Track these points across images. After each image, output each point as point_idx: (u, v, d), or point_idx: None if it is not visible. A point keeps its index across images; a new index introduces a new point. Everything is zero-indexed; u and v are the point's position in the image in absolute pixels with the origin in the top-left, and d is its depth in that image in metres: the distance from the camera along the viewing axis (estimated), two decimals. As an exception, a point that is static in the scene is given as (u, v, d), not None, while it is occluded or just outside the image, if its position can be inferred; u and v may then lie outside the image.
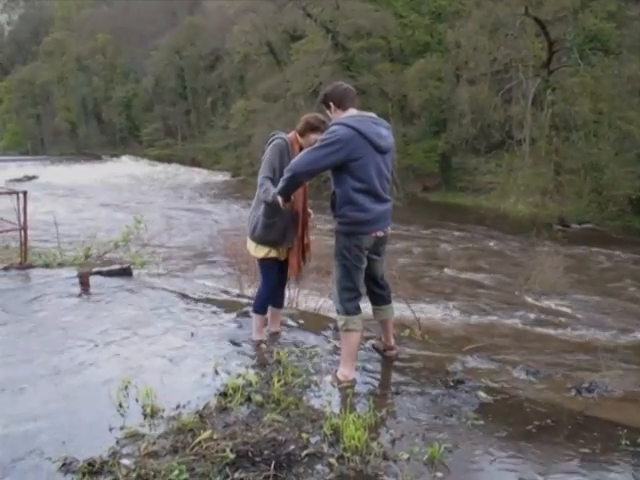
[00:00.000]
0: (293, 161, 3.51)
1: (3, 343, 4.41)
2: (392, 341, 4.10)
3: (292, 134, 4.05)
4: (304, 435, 2.92)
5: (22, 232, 6.88)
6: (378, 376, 3.83)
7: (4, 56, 72.49)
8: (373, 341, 4.24)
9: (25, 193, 6.82)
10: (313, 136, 3.94)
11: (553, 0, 22.17)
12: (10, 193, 7.09)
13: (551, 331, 10.55)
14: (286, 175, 3.50)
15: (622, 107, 21.50)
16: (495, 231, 20.78)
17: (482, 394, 3.49)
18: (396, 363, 4.01)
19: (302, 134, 4.02)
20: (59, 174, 36.37)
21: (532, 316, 11.34)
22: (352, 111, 3.56)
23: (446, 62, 27.85)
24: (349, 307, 3.59)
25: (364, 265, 3.61)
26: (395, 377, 3.79)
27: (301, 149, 4.03)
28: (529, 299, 12.55)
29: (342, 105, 3.56)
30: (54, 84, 59.23)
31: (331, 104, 3.59)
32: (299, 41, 32.43)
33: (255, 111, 32.08)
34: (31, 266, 6.90)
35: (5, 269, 6.79)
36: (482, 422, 3.15)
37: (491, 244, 19.33)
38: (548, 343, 9.61)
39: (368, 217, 3.50)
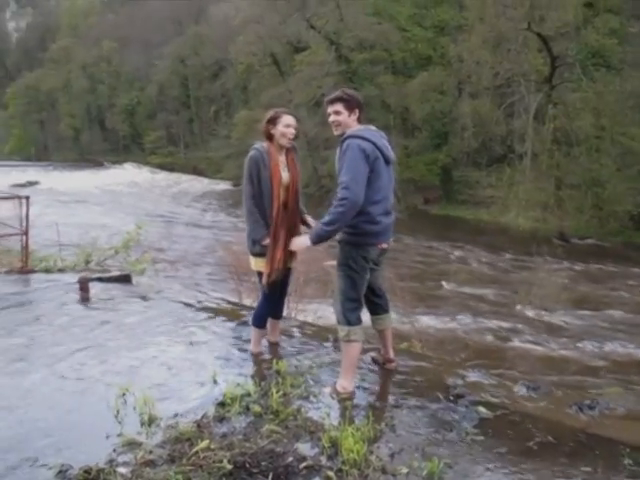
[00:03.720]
0: (343, 192, 3.29)
1: (2, 348, 4.39)
2: (391, 353, 4.08)
3: (265, 143, 3.99)
4: (302, 447, 2.90)
5: (24, 237, 6.87)
6: (377, 389, 3.80)
7: (11, 63, 73.04)
8: (372, 353, 4.22)
9: (27, 198, 6.84)
10: (280, 127, 3.90)
11: (555, 16, 22.30)
12: (13, 198, 7.10)
13: (551, 347, 10.50)
14: (343, 207, 3.28)
15: (624, 123, 21.58)
16: (495, 245, 20.75)
17: (482, 409, 3.46)
18: (395, 376, 3.98)
19: (270, 136, 3.95)
20: (61, 180, 36.42)
21: (532, 331, 11.29)
22: (358, 124, 3.57)
23: (449, 75, 27.98)
24: (351, 317, 3.57)
25: (368, 276, 3.60)
26: (394, 390, 3.76)
27: (287, 152, 4.00)
28: (529, 314, 12.49)
29: (358, 113, 3.56)
30: (59, 91, 59.55)
31: (350, 107, 3.53)
32: (302, 52, 32.60)
33: (258, 121, 32.12)
34: (32, 271, 6.90)
35: (6, 273, 6.79)
36: (482, 438, 3.12)
37: (491, 258, 19.29)
38: (548, 359, 9.56)
39: (377, 229, 3.49)
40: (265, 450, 2.85)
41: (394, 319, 4.17)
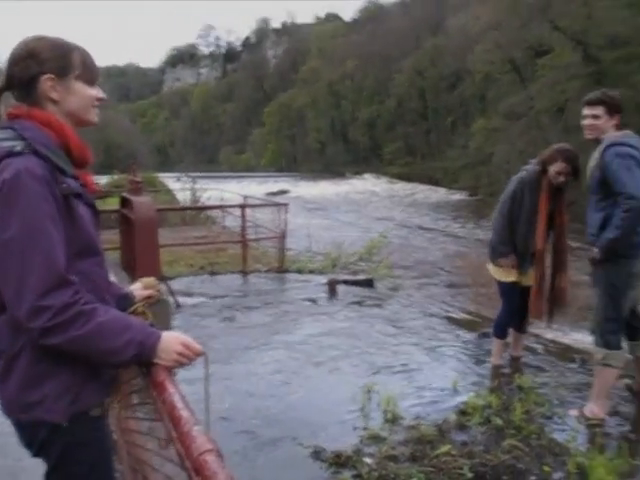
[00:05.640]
0: (629, 202, 3.10)
1: (258, 335, 5.01)
2: (650, 383, 3.70)
3: (539, 169, 3.89)
4: (546, 468, 2.80)
5: (281, 240, 7.71)
6: (632, 420, 3.47)
7: (268, 85, 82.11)
8: (627, 380, 3.86)
9: (286, 206, 7.66)
10: (552, 170, 3.78)
11: None
12: (274, 205, 8.02)
13: None
14: (630, 219, 3.12)
15: None
16: None
17: None
18: (654, 408, 3.60)
19: (545, 169, 3.85)
20: (307, 189, 39.71)
21: None
22: (615, 130, 3.33)
23: None
24: (611, 340, 3.33)
25: (632, 293, 3.31)
26: (652, 424, 3.41)
27: (549, 183, 3.85)
28: None
29: (617, 118, 3.33)
30: (307, 108, 65.07)
31: (610, 111, 3.31)
32: (545, 56, 30.75)
33: (496, 130, 31.25)
34: (286, 270, 7.70)
35: (266, 272, 7.70)
36: None
37: None
38: None
39: None
40: (506, 465, 2.82)
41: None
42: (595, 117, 3.33)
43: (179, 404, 1.20)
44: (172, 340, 1.34)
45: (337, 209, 26.53)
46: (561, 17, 28.82)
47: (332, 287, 6.33)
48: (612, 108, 3.31)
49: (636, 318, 3.53)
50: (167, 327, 3.94)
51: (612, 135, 3.28)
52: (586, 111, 3.37)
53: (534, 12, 29.96)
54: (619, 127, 3.35)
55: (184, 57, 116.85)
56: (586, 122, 3.37)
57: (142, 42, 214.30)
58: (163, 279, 5.71)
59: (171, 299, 5.70)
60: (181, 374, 1.38)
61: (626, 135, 3.29)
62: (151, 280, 1.86)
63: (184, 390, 1.23)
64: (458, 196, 34.08)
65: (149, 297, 1.78)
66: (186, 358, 1.35)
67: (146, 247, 5.00)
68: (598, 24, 26.93)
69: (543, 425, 3.27)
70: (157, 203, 10.45)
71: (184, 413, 1.16)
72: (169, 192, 17.60)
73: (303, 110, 65.94)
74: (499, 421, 3.24)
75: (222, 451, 0.97)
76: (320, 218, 21.73)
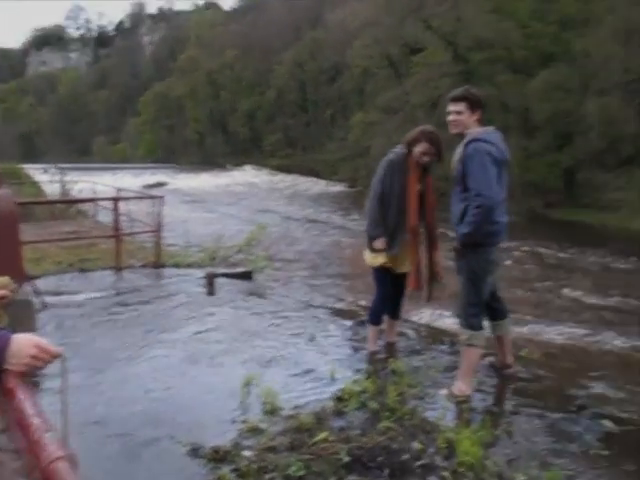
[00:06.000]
0: (477, 200, 3.33)
1: (134, 334, 4.81)
2: (509, 359, 4.01)
3: (405, 150, 4.06)
4: (419, 446, 2.94)
5: (157, 234, 7.45)
6: (495, 394, 3.75)
7: (144, 73, 78.83)
8: (491, 358, 4.16)
9: (161, 198, 7.40)
10: (416, 151, 3.96)
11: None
12: (149, 198, 7.73)
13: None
14: (480, 215, 3.34)
15: None
16: (624, 252, 19.27)
17: (607, 423, 3.30)
18: (513, 382, 3.90)
19: (410, 150, 4.02)
20: (186, 181, 38.76)
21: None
22: (477, 125, 3.55)
23: (573, 72, 26.40)
24: (474, 322, 3.56)
25: (491, 278, 3.57)
26: (512, 396, 3.69)
27: (415, 163, 4.04)
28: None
29: (479, 114, 3.54)
30: (186, 97, 63.28)
31: (472, 107, 3.50)
32: (419, 54, 32.28)
33: (374, 123, 32.30)
34: (163, 265, 7.46)
35: (142, 267, 7.41)
36: (607, 452, 2.98)
37: (618, 266, 17.95)
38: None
39: (497, 229, 3.48)
40: (381, 446, 2.92)
41: (512, 326, 4.11)
42: (458, 113, 3.53)
43: (30, 411, 1.12)
44: (24, 343, 1.24)
45: (217, 202, 26.17)
46: (433, 17, 30.27)
47: (210, 281, 6.22)
48: (474, 104, 3.52)
49: (496, 300, 3.82)
50: (31, 329, 3.66)
51: (475, 131, 3.49)
52: (450, 107, 3.57)
53: (409, 11, 31.22)
54: (481, 122, 3.58)
55: (50, 39, 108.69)
56: (450, 117, 3.58)
57: (1, 20, 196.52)
58: (27, 278, 5.30)
59: (35, 299, 5.30)
60: (46, 384, 1.27)
61: (487, 131, 3.52)
62: (4, 279, 1.72)
63: (49, 400, 1.14)
64: (338, 187, 34.89)
65: (2, 298, 1.65)
66: (40, 361, 1.25)
67: (5, 244, 4.59)
68: (466, 27, 28.60)
69: (416, 406, 3.43)
70: (20, 196, 9.73)
71: (35, 420, 1.08)
72: (35, 184, 16.41)
73: (181, 100, 64.07)
74: (374, 405, 3.36)
75: (86, 457, 0.91)
76: (200, 211, 21.33)
